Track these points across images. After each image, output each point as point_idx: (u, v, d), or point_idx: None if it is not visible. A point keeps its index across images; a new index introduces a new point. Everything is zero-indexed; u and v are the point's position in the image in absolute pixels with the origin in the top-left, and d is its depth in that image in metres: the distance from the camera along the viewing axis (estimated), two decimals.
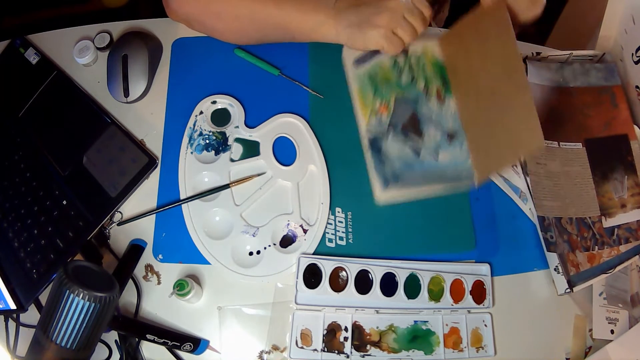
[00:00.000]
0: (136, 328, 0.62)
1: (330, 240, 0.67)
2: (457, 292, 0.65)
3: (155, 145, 0.72)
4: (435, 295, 0.65)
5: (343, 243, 0.67)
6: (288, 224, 0.67)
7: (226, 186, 0.68)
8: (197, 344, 0.61)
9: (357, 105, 0.70)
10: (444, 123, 0.69)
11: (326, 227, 0.67)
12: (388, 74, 0.71)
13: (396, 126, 0.69)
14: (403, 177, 0.67)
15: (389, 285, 0.64)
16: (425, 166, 0.68)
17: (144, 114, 0.74)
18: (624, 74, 0.76)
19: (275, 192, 0.69)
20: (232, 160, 0.70)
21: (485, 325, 0.65)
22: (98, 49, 0.77)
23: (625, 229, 0.68)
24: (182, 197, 0.68)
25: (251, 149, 0.71)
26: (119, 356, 0.62)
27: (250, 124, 0.72)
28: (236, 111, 0.72)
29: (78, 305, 0.47)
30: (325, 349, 0.62)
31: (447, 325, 0.64)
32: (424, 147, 0.68)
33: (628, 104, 0.74)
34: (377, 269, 0.64)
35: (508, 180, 0.72)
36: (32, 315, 0.64)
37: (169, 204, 0.68)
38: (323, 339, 0.62)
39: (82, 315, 0.47)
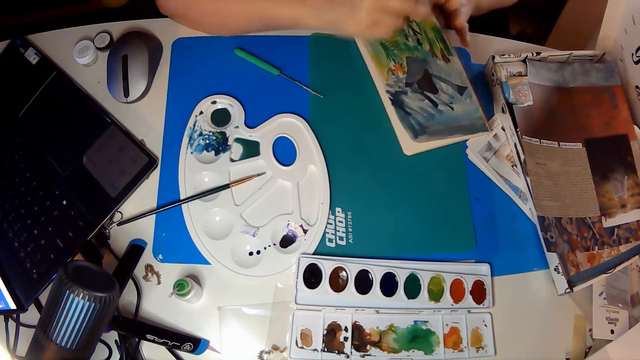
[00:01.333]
0: (136, 328, 0.62)
1: (330, 240, 0.67)
2: (457, 292, 0.65)
3: (155, 145, 0.72)
4: (435, 295, 0.65)
5: (343, 243, 0.67)
6: (288, 224, 0.67)
7: (226, 186, 0.68)
8: (197, 344, 0.61)
9: (373, 66, 0.74)
10: (453, 79, 0.74)
11: (326, 227, 0.67)
12: (395, 38, 0.76)
13: (412, 83, 0.73)
14: (429, 127, 0.70)
15: (389, 285, 0.64)
16: (444, 116, 0.72)
17: (144, 114, 0.74)
18: (624, 74, 0.76)
19: (275, 192, 0.69)
20: (232, 160, 0.70)
21: (485, 325, 0.65)
22: (98, 49, 0.77)
23: (625, 229, 0.68)
24: (182, 197, 0.68)
25: (251, 149, 0.71)
26: (119, 356, 0.62)
27: (250, 124, 0.72)
28: (236, 111, 0.72)
29: (78, 305, 0.47)
30: (325, 349, 0.62)
31: (447, 325, 0.64)
32: (440, 100, 0.73)
33: (628, 104, 0.74)
34: (377, 269, 0.64)
35: (508, 180, 0.72)
36: (32, 315, 0.64)
37: (169, 204, 0.68)
38: (323, 339, 0.62)
39: (82, 315, 0.47)
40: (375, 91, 0.74)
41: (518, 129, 0.70)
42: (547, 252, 0.67)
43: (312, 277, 0.63)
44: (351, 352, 0.62)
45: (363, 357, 0.62)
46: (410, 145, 0.70)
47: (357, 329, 0.63)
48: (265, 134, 0.71)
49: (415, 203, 0.69)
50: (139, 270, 0.66)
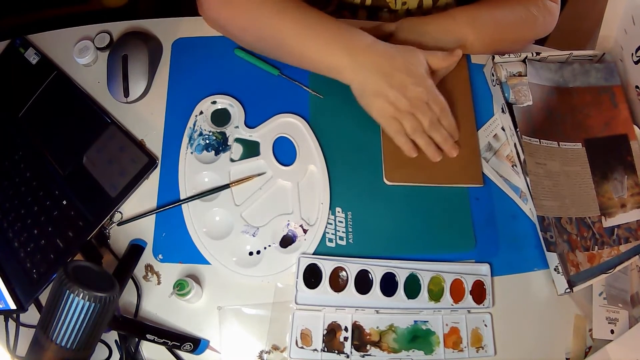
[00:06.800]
0: (136, 328, 0.62)
1: (330, 240, 0.67)
2: (457, 292, 0.65)
3: (155, 145, 0.72)
4: (435, 295, 0.65)
5: (343, 243, 0.67)
6: (288, 224, 0.67)
7: (226, 186, 0.68)
8: (197, 344, 0.61)
9: None
10: None
11: (326, 227, 0.67)
12: None
13: None
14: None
15: (389, 285, 0.64)
16: None
17: (144, 114, 0.74)
18: (624, 74, 0.76)
19: (275, 192, 0.69)
20: (232, 160, 0.70)
21: (485, 325, 0.65)
22: (98, 49, 0.77)
23: (625, 229, 0.68)
24: (182, 197, 0.68)
25: (251, 149, 0.71)
26: (119, 356, 0.62)
27: (250, 124, 0.72)
28: (236, 111, 0.72)
29: (78, 305, 0.47)
30: (325, 349, 0.62)
31: (447, 325, 0.64)
32: None
33: (628, 104, 0.74)
34: (377, 269, 0.64)
35: (508, 180, 0.72)
36: (32, 315, 0.64)
37: (169, 204, 0.68)
38: (323, 339, 0.62)
39: (82, 315, 0.47)
40: None
41: (518, 129, 0.70)
42: (547, 252, 0.67)
43: (312, 277, 0.63)
44: (351, 352, 0.62)
45: (363, 357, 0.62)
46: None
47: (357, 329, 0.63)
48: (265, 134, 0.71)
49: (415, 203, 0.69)
50: (139, 270, 0.66)
